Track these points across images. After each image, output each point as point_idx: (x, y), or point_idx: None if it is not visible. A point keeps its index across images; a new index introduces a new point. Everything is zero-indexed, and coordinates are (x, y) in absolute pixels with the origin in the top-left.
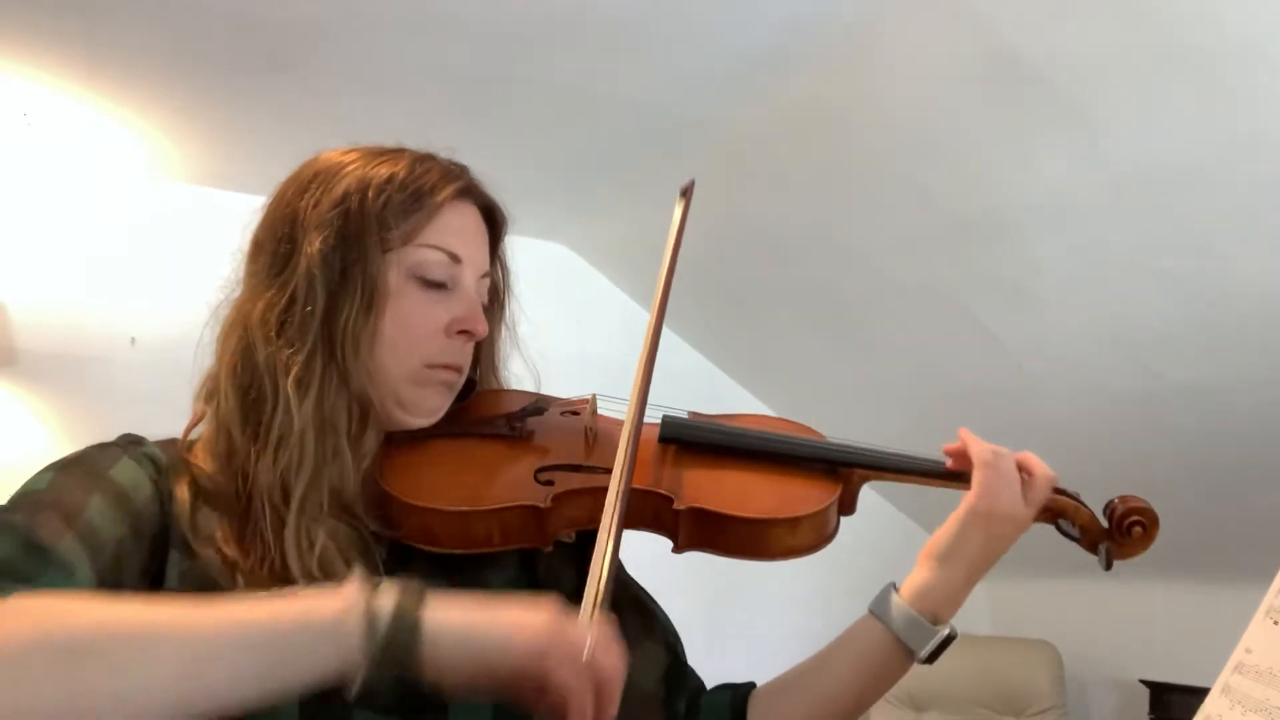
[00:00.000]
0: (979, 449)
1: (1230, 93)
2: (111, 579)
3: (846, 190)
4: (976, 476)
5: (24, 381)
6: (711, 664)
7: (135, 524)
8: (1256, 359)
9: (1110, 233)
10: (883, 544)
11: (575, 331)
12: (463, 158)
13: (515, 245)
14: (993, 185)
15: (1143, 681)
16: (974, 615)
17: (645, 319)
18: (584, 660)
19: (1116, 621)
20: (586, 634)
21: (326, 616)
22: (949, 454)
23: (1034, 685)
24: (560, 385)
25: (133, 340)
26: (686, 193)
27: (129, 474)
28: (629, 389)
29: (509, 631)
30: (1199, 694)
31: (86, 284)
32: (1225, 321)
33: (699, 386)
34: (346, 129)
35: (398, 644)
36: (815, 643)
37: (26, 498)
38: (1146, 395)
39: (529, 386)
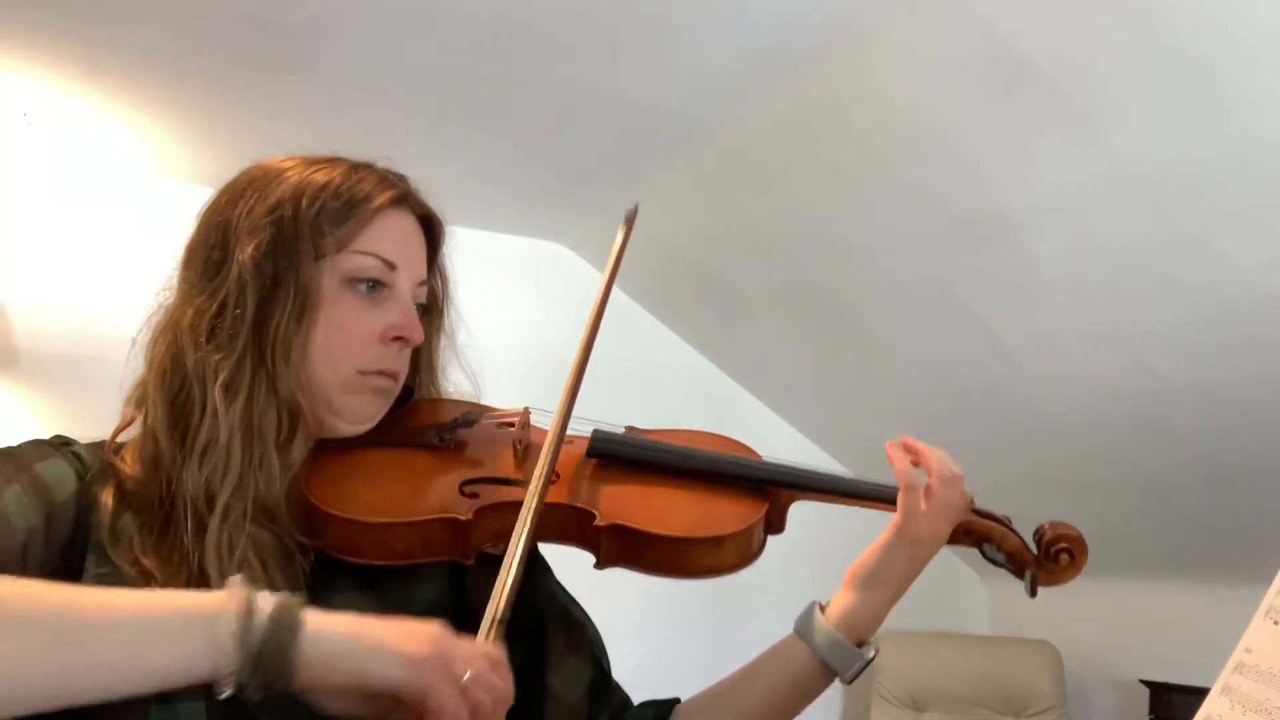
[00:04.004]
0: (904, 470)
1: (1230, 93)
2: (15, 565)
3: (846, 190)
4: (900, 500)
5: (25, 381)
6: (711, 662)
7: (50, 517)
8: (1256, 359)
9: (1110, 233)
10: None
11: (575, 331)
12: (464, 157)
13: (515, 245)
14: (992, 185)
15: (1143, 681)
16: (974, 615)
17: (646, 319)
18: (464, 681)
19: (1116, 621)
20: (473, 655)
21: (202, 607)
22: (891, 452)
23: (1034, 685)
24: (558, 385)
25: (133, 340)
26: (630, 219)
27: (55, 471)
28: (627, 390)
29: (391, 642)
30: (1199, 694)
31: (87, 284)
32: (1225, 321)
33: (699, 386)
34: (347, 129)
35: (275, 640)
36: None
37: None
38: (1147, 395)
39: (468, 394)
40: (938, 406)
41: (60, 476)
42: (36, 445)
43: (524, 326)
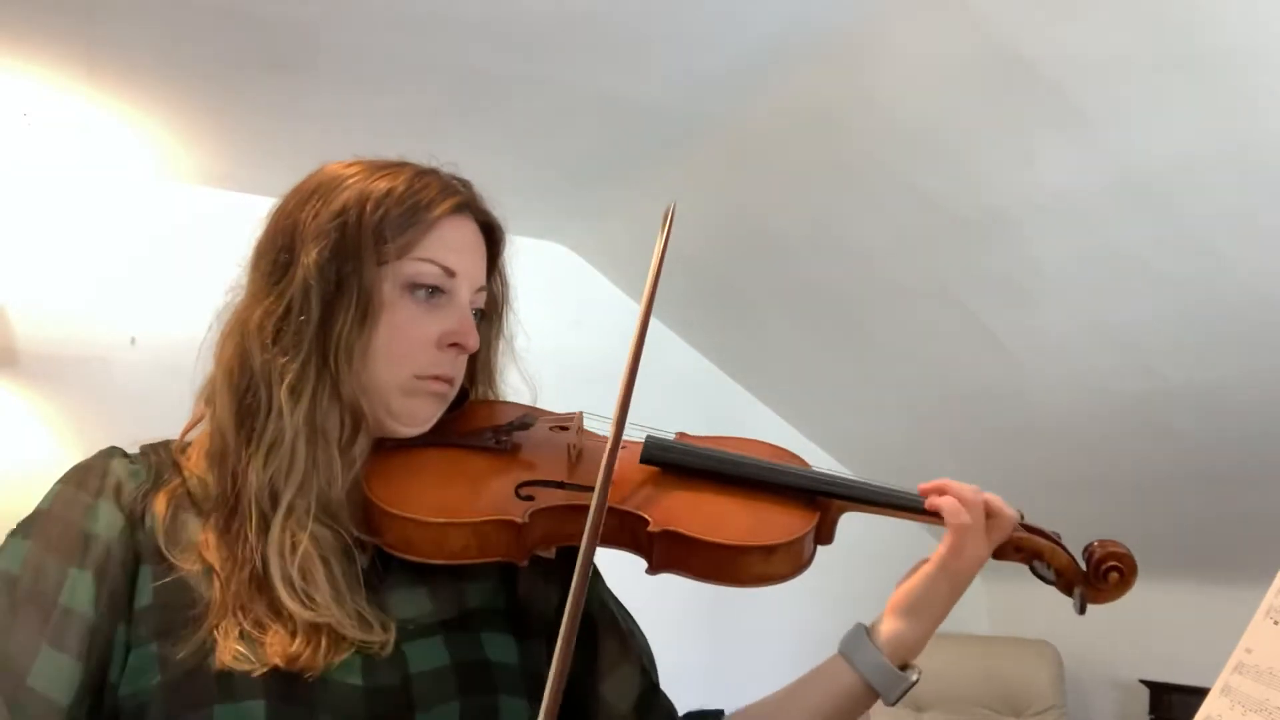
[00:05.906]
0: (951, 508)
1: (1230, 93)
2: (95, 653)
3: (846, 190)
4: (949, 535)
5: (25, 381)
6: (713, 662)
7: (113, 582)
8: (1256, 359)
9: (1110, 233)
10: (883, 545)
11: (575, 332)
12: (464, 157)
13: (515, 245)
14: (993, 185)
15: (1143, 681)
16: (974, 615)
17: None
18: None
19: (1116, 621)
20: None
21: None
22: (924, 493)
23: (1034, 685)
24: (559, 385)
25: (133, 340)
26: (667, 217)
27: (105, 520)
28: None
29: None
30: (1199, 694)
31: (87, 284)
32: (1225, 321)
33: (699, 387)
34: (346, 129)
35: None
36: (813, 641)
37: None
38: (1146, 395)
39: (525, 399)
40: (938, 406)
41: (109, 524)
42: (80, 486)
43: (523, 326)
